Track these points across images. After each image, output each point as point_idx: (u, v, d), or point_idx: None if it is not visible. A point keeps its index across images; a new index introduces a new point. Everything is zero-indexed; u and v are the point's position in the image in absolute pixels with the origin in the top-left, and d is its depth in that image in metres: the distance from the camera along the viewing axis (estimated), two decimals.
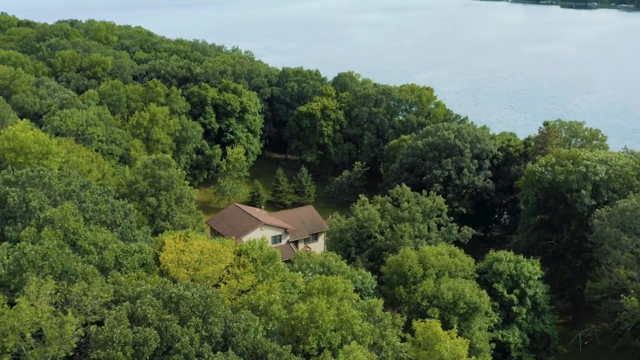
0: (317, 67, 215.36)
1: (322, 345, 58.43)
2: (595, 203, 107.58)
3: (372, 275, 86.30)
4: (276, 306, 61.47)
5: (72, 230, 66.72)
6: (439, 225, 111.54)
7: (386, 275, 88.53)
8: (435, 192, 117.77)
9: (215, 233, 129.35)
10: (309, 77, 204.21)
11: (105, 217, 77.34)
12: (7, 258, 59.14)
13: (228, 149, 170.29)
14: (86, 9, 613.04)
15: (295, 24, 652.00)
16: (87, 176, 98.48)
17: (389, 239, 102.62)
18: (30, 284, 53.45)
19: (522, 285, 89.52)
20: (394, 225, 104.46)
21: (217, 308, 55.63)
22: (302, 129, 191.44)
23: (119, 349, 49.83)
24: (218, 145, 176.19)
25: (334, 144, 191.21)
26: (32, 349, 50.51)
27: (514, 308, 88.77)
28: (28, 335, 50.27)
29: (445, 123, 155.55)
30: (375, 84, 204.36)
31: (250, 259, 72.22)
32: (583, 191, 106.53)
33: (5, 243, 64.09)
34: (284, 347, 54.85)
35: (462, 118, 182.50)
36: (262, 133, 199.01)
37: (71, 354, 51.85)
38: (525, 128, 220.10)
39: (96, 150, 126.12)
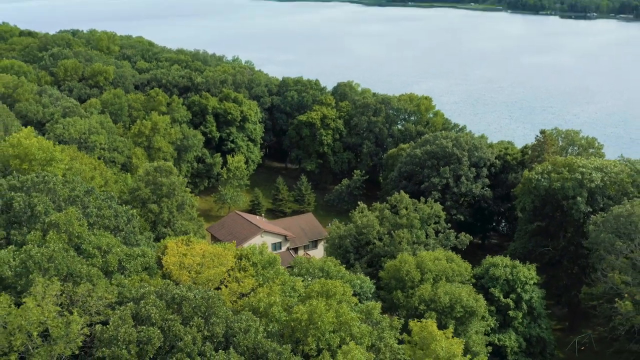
0: (317, 78, 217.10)
1: (321, 347, 59.64)
2: (591, 210, 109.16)
3: (370, 280, 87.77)
4: (276, 308, 62.83)
5: (76, 235, 68.26)
6: (437, 232, 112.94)
7: (384, 280, 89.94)
8: (434, 200, 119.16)
9: (215, 240, 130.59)
10: (309, 86, 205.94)
11: (108, 222, 78.91)
12: (14, 260, 60.53)
13: (229, 157, 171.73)
14: (84, 20, 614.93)
15: (295, 36, 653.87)
16: (90, 183, 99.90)
17: (387, 245, 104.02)
18: (36, 285, 54.81)
19: (518, 290, 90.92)
20: (392, 232, 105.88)
21: (218, 309, 57.02)
22: (302, 138, 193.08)
23: (124, 347, 51.20)
24: (219, 154, 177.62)
25: (333, 152, 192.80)
26: (39, 347, 51.85)
27: (510, 312, 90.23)
28: (35, 334, 51.63)
29: (443, 132, 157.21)
30: (374, 94, 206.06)
31: (250, 263, 73.62)
32: (579, 198, 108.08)
33: (11, 246, 65.50)
34: (283, 346, 56.19)
35: (460, 127, 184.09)
36: (262, 142, 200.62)
37: (77, 352, 53.11)
38: (524, 138, 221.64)
39: (98, 158, 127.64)
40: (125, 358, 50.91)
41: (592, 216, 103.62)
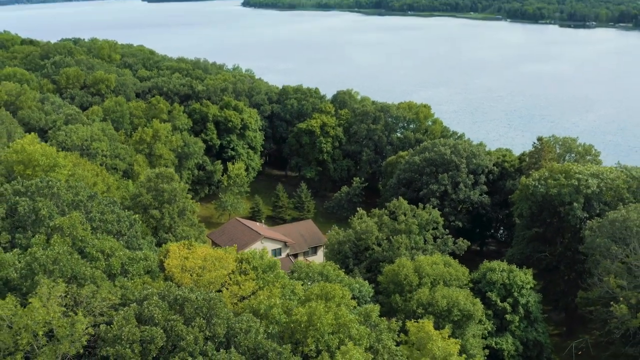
0: (316, 87, 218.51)
1: (320, 348, 60.74)
2: (587, 215, 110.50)
3: (369, 285, 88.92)
4: (276, 310, 63.96)
5: (80, 238, 69.46)
6: (435, 238, 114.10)
7: (383, 285, 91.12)
8: (432, 206, 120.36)
9: (216, 246, 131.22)
10: (309, 94, 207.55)
11: (111, 226, 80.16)
12: (19, 263, 61.75)
13: (229, 164, 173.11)
14: (85, 29, 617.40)
15: (295, 45, 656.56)
16: (92, 189, 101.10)
17: (386, 251, 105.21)
18: (41, 286, 55.97)
19: (515, 294, 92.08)
20: (390, 237, 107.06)
21: (220, 310, 58.20)
22: (301, 146, 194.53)
23: (127, 346, 52.37)
24: (219, 161, 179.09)
25: (333, 160, 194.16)
26: (44, 347, 52.99)
27: (507, 316, 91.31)
28: (40, 333, 52.76)
29: (441, 139, 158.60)
30: (373, 102, 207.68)
31: (251, 267, 74.81)
32: (575, 204, 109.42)
33: (15, 249, 66.80)
34: (283, 346, 57.38)
35: (458, 135, 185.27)
36: (262, 150, 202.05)
37: (81, 351, 54.27)
38: (523, 146, 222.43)
39: (100, 165, 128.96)
40: (129, 357, 52.06)
41: (588, 221, 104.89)
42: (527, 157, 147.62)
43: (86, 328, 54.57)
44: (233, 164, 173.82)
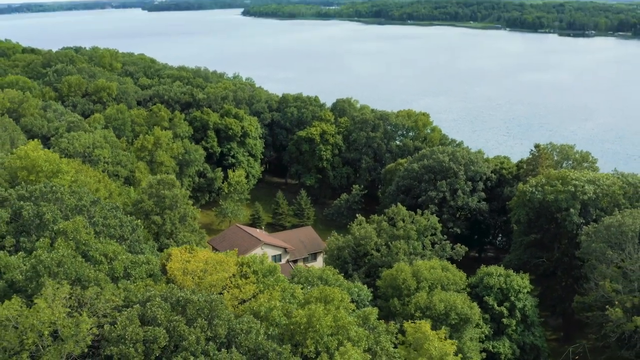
0: (316, 95, 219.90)
1: (320, 349, 61.89)
2: (584, 221, 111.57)
3: (368, 289, 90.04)
4: (276, 312, 65.15)
5: (83, 242, 70.76)
6: (433, 244, 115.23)
7: (381, 289, 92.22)
8: (430, 213, 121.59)
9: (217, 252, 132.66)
10: (309, 102, 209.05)
11: (114, 231, 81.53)
12: (24, 265, 62.99)
13: (229, 172, 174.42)
14: (85, 37, 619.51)
15: (294, 54, 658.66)
16: (95, 195, 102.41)
17: (384, 256, 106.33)
18: (46, 287, 57.17)
19: (512, 298, 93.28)
20: (389, 243, 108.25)
21: (221, 311, 59.45)
22: (301, 153, 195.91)
23: (131, 345, 53.62)
24: (220, 169, 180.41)
25: (332, 167, 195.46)
26: (49, 346, 54.17)
27: (504, 320, 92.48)
28: (46, 333, 53.93)
29: (440, 147, 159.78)
30: (372, 110, 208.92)
31: (252, 270, 76.00)
32: (572, 210, 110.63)
33: (20, 253, 68.05)
34: (283, 346, 58.58)
35: (457, 142, 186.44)
36: (262, 157, 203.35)
37: (85, 351, 55.44)
38: (522, 154, 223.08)
39: (102, 172, 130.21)
40: (132, 356, 53.27)
41: (584, 227, 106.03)
42: (524, 164, 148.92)
43: (90, 328, 55.75)
44: (233, 171, 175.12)
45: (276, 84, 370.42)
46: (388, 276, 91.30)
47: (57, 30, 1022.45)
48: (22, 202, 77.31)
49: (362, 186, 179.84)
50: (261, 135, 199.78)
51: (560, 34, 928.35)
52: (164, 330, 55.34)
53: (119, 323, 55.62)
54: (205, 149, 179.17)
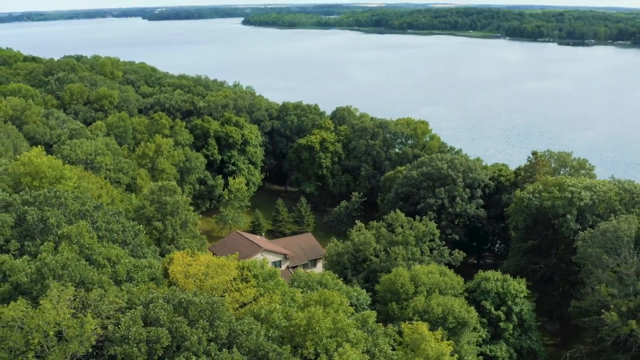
0: (316, 103, 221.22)
1: (319, 350, 63.05)
2: (581, 227, 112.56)
3: (366, 294, 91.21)
4: (276, 314, 66.34)
5: (87, 246, 72.01)
6: (431, 249, 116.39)
7: (380, 294, 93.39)
8: (429, 220, 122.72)
9: None
10: (308, 111, 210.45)
11: (116, 235, 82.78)
12: (29, 268, 64.20)
13: (230, 179, 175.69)
14: (86, 46, 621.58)
15: (294, 63, 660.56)
16: (97, 200, 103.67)
17: (383, 261, 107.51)
18: (51, 289, 58.40)
19: (509, 302, 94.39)
20: (388, 249, 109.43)
21: (222, 313, 60.71)
22: (301, 161, 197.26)
23: (134, 345, 54.85)
24: (220, 176, 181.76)
25: (332, 175, 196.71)
26: (54, 346, 55.34)
27: (501, 324, 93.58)
28: (51, 333, 55.13)
29: (438, 154, 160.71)
30: (372, 118, 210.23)
31: (252, 274, 77.25)
32: (569, 216, 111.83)
33: (25, 256, 69.26)
34: (283, 347, 59.79)
35: (456, 150, 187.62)
36: (262, 165, 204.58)
37: (90, 350, 56.63)
38: (521, 162, 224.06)
39: (104, 178, 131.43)
40: (136, 356, 54.49)
41: (581, 232, 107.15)
42: (522, 171, 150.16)
43: (94, 329, 56.94)
44: (234, 178, 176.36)
45: (276, 93, 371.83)
46: (386, 281, 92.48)
47: (58, 39, 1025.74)
48: (26, 207, 78.54)
49: (362, 194, 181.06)
50: (261, 143, 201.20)
51: (560, 43, 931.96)
52: (167, 331, 56.54)
53: (122, 323, 56.84)
54: (206, 156, 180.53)
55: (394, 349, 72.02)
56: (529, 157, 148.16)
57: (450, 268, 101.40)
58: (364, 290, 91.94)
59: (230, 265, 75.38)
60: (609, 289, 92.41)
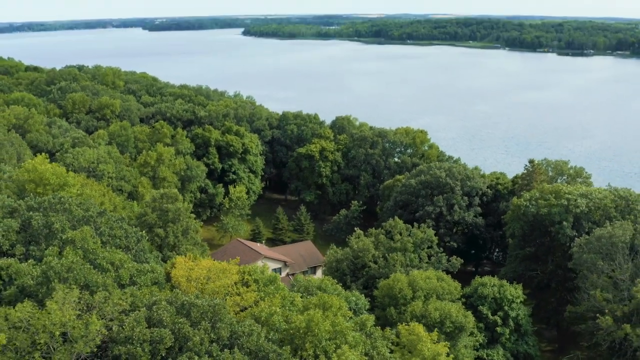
0: (316, 113, 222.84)
1: (318, 353, 64.39)
2: (577, 234, 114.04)
3: (365, 299, 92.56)
4: (277, 317, 67.70)
5: (91, 251, 73.46)
6: (429, 256, 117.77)
7: (378, 299, 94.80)
8: (427, 227, 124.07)
9: None
10: (308, 120, 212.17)
11: (120, 241, 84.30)
12: (35, 272, 65.67)
13: (230, 188, 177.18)
14: (88, 57, 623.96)
15: (294, 74, 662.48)
16: (100, 208, 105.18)
17: (382, 268, 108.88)
18: (57, 291, 59.81)
19: (506, 307, 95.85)
20: (386, 255, 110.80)
21: (224, 315, 62.13)
22: (301, 170, 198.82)
23: (138, 345, 56.26)
24: (221, 185, 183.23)
25: (331, 184, 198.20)
26: (60, 347, 56.72)
27: (498, 329, 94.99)
28: (57, 334, 56.51)
29: (437, 163, 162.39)
30: (371, 127, 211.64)
31: (253, 279, 78.69)
32: (565, 223, 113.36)
33: (30, 260, 70.72)
34: (283, 348, 61.21)
35: (454, 159, 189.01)
36: (263, 174, 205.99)
37: (95, 350, 58.01)
38: (519, 171, 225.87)
39: (107, 186, 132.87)
40: (140, 356, 55.87)
41: (577, 239, 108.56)
42: (519, 179, 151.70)
43: (99, 329, 58.29)
44: (234, 187, 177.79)
45: (277, 103, 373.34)
46: (385, 286, 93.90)
47: (58, 49, 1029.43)
48: (31, 213, 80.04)
49: (361, 202, 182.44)
50: (262, 152, 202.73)
51: (559, 54, 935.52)
52: (170, 332, 57.94)
53: (126, 324, 58.22)
54: (207, 165, 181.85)
55: (391, 352, 73.39)
56: (526, 166, 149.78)
57: (448, 275, 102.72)
58: (363, 295, 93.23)
59: (231, 270, 76.81)
60: (604, 294, 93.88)
